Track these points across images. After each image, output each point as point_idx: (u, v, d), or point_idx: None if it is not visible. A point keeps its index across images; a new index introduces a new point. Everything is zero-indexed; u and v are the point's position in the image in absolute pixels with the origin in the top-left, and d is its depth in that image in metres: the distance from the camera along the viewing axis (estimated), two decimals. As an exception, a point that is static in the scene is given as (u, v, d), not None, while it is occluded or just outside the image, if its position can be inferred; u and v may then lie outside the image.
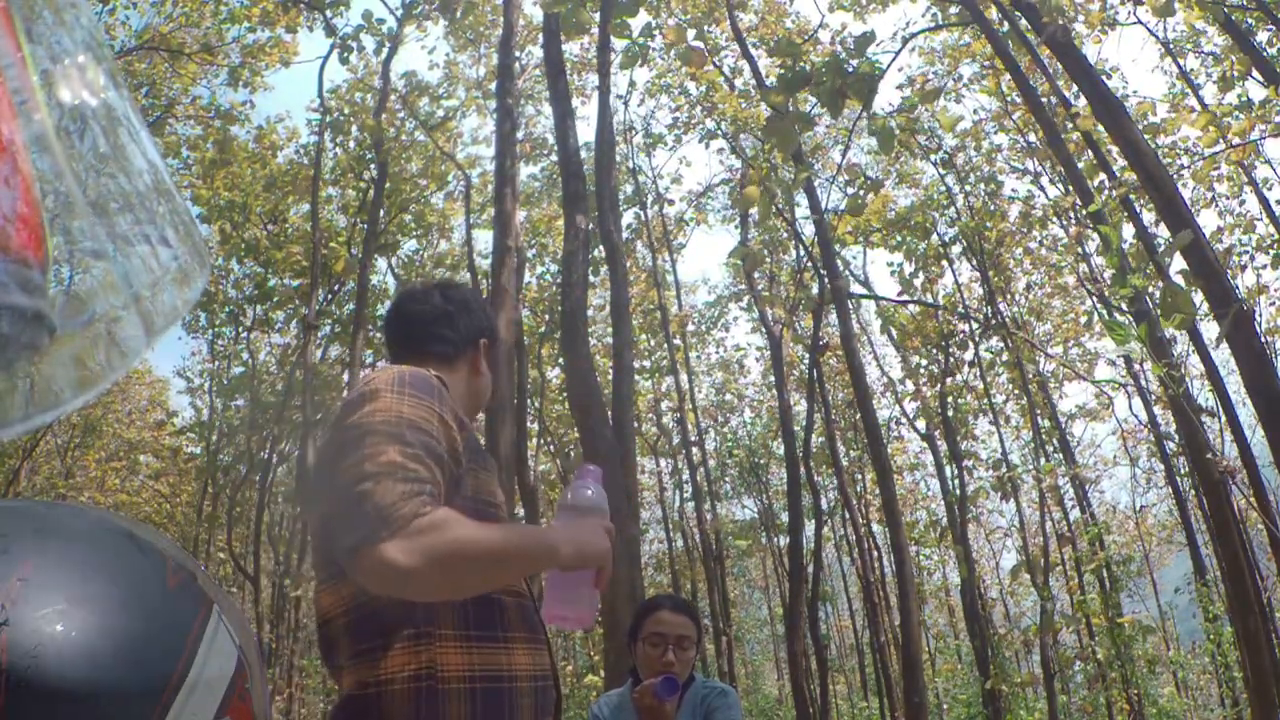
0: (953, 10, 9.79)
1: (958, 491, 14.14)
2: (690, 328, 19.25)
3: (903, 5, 29.14)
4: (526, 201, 15.26)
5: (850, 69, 5.07)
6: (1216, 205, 12.75)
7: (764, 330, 14.77)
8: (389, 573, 1.15)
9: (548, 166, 15.99)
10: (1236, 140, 8.67)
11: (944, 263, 14.76)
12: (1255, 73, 9.08)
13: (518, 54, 11.81)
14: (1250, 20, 8.90)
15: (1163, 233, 8.35)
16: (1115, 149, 7.00)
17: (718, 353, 20.78)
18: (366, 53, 13.34)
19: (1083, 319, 15.35)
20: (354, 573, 1.20)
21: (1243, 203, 12.62)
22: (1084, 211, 6.85)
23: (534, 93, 14.88)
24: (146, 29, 12.92)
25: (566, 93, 8.63)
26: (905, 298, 14.80)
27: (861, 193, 8.03)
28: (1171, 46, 11.70)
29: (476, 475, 1.42)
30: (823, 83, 5.09)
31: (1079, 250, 13.74)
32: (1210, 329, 9.31)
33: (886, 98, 21.53)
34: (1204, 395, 12.35)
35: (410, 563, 1.15)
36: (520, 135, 12.93)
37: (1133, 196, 8.04)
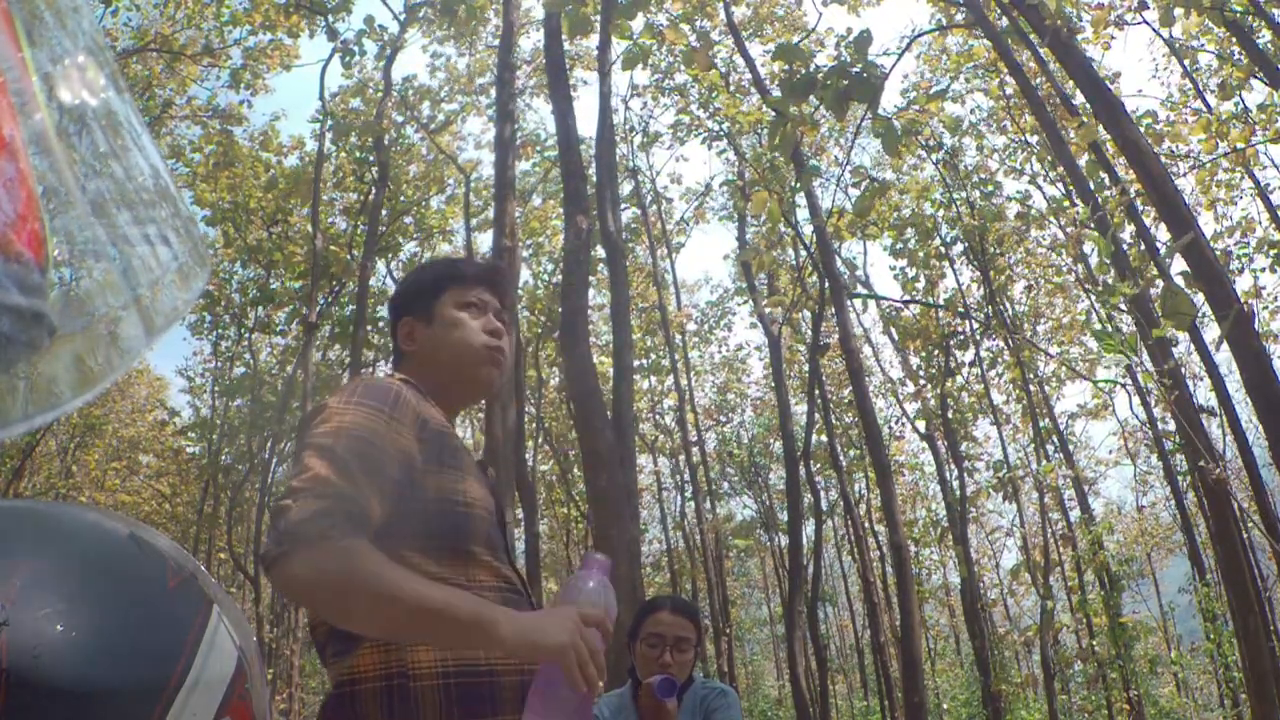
0: (958, 18, 9.78)
1: (958, 491, 14.14)
2: (691, 327, 19.25)
3: (902, 3, 29.20)
4: (520, 197, 15.22)
5: (854, 72, 5.06)
6: (1215, 210, 12.74)
7: (763, 329, 14.76)
8: (288, 586, 1.19)
9: (541, 163, 15.90)
10: (1240, 144, 8.67)
11: (944, 264, 14.75)
12: (1258, 71, 9.06)
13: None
14: (1250, 22, 8.88)
15: (1163, 234, 8.36)
16: (1116, 149, 7.00)
17: (719, 352, 20.79)
18: (367, 57, 13.34)
19: (1081, 318, 15.34)
20: (270, 581, 1.24)
21: (1245, 211, 12.63)
22: (1082, 214, 6.85)
23: (525, 87, 14.82)
24: (145, 30, 12.93)
25: (567, 92, 8.62)
26: (906, 298, 14.79)
27: (868, 195, 8.02)
28: (1177, 47, 11.68)
29: (439, 475, 1.37)
30: (827, 86, 5.08)
31: (1078, 250, 13.71)
32: (1210, 330, 9.31)
33: (889, 100, 21.52)
34: (1202, 394, 12.35)
35: (307, 577, 1.16)
36: (517, 135, 12.90)
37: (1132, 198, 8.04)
